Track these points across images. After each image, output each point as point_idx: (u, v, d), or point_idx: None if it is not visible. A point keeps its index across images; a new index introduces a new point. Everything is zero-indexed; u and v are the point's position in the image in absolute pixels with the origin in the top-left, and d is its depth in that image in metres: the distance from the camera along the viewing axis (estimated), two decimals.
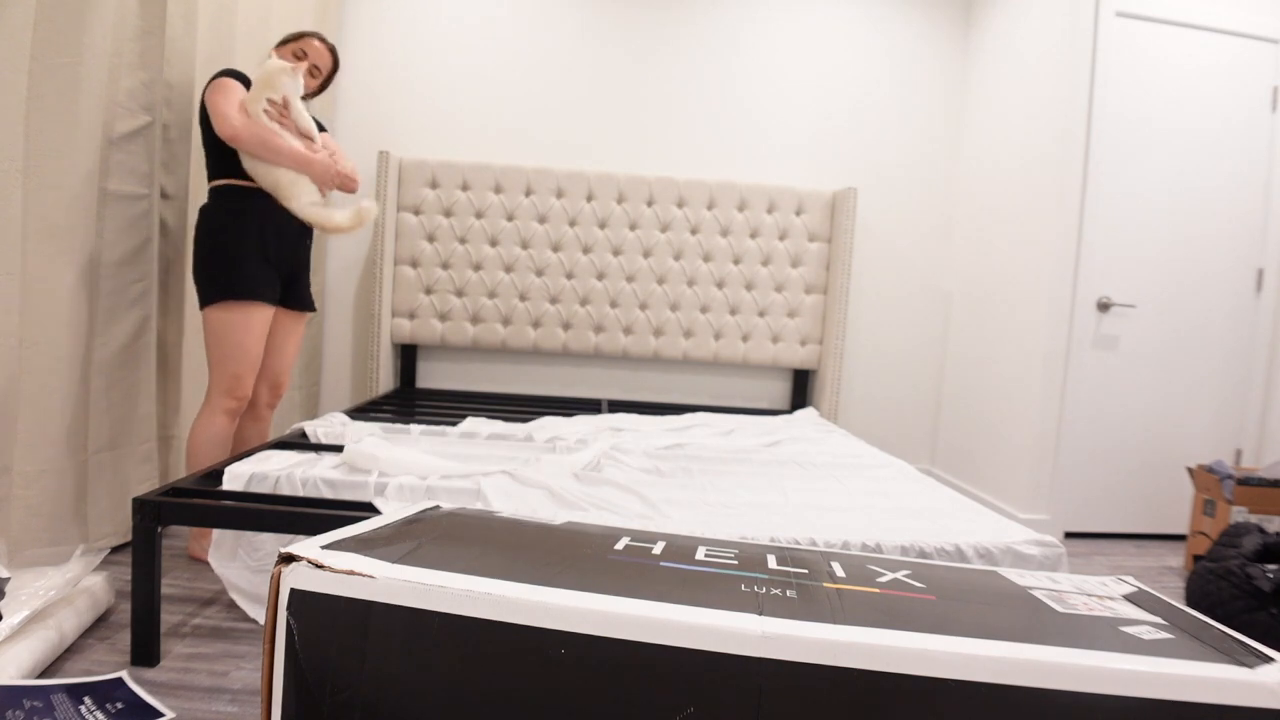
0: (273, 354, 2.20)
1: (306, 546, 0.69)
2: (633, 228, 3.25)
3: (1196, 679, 0.57)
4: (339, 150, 2.18)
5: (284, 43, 2.14)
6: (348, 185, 2.13)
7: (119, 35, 1.95)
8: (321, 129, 2.20)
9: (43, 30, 1.73)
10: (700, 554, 0.80)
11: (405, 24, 3.21)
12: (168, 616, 1.72)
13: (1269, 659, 0.61)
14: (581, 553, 0.77)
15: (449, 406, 2.92)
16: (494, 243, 3.20)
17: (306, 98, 2.23)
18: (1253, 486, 2.43)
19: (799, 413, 3.17)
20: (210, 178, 2.04)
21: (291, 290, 2.18)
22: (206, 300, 1.98)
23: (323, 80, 2.19)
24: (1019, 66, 3.01)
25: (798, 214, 3.29)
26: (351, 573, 0.65)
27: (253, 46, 2.49)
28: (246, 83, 2.01)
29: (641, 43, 3.29)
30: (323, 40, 2.15)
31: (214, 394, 2.01)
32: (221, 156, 1.99)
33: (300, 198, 2.01)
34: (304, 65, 2.06)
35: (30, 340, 1.77)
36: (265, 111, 1.94)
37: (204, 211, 2.02)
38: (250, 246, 2.00)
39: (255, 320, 2.00)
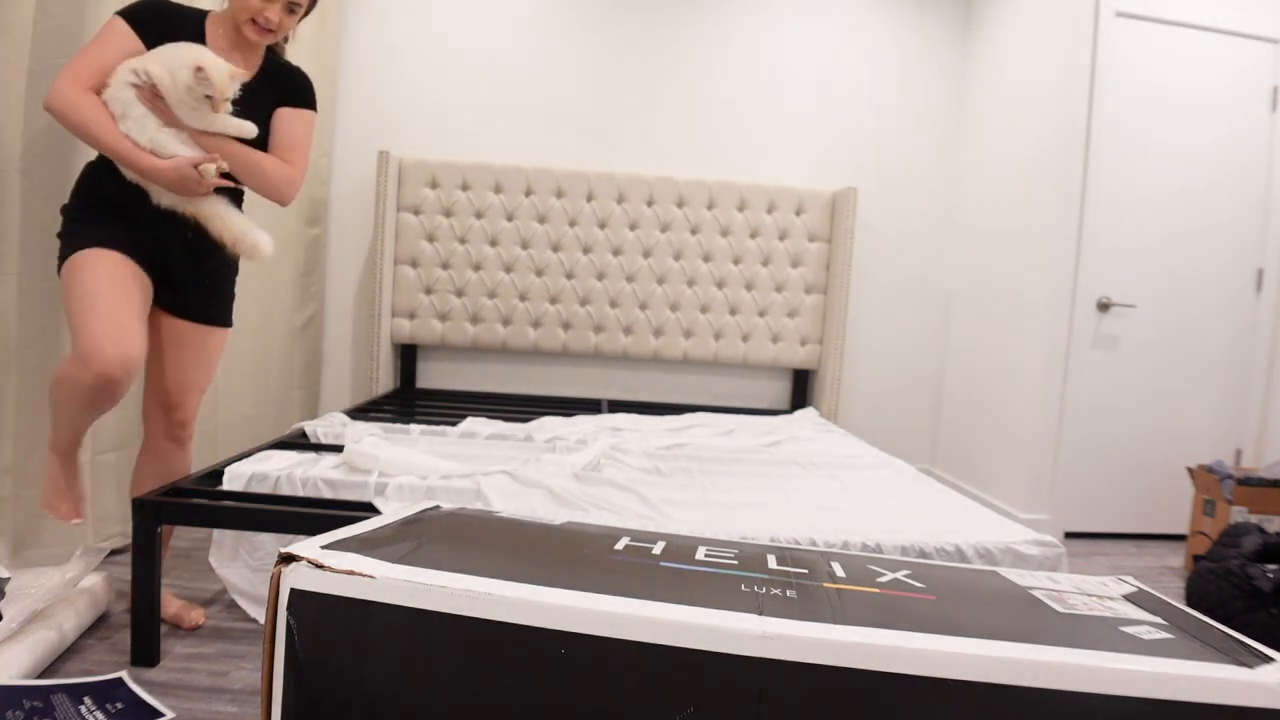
0: (163, 364, 1.65)
1: (306, 546, 0.69)
2: (633, 228, 3.25)
3: (1196, 679, 0.57)
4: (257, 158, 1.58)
5: None
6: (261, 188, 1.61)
7: None
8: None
9: (43, 30, 1.73)
10: (700, 554, 0.80)
11: (405, 24, 3.21)
12: None
13: (1269, 659, 0.61)
14: (581, 553, 0.77)
15: (449, 406, 2.92)
16: (494, 243, 3.20)
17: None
18: (1253, 486, 2.43)
19: (799, 413, 3.17)
20: None
21: (169, 290, 1.61)
22: (58, 267, 1.51)
23: (303, 14, 1.59)
24: (1019, 66, 3.01)
25: (798, 214, 3.29)
26: (351, 573, 0.65)
27: None
28: (163, 28, 1.48)
29: (642, 43, 3.29)
30: None
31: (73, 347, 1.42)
32: None
33: (162, 195, 1.53)
34: (239, 74, 1.50)
35: (30, 340, 1.77)
36: (136, 87, 1.45)
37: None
38: (100, 211, 1.53)
39: (102, 263, 1.46)
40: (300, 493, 1.71)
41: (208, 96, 1.45)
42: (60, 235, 1.53)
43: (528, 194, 3.19)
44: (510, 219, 3.20)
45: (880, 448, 2.56)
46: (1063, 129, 2.75)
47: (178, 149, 1.47)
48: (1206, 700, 0.57)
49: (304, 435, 2.16)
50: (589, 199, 3.21)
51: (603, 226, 3.23)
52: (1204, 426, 2.97)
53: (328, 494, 1.71)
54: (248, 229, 1.59)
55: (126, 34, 1.47)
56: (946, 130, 3.43)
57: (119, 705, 1.32)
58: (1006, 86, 3.09)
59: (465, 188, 3.17)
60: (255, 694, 1.43)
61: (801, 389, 3.43)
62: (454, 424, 2.44)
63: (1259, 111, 2.90)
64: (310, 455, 1.91)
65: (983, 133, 3.26)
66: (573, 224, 3.22)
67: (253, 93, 1.57)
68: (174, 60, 1.45)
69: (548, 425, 2.49)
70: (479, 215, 3.19)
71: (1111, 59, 2.77)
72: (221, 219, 1.57)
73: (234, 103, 1.52)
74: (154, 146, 1.46)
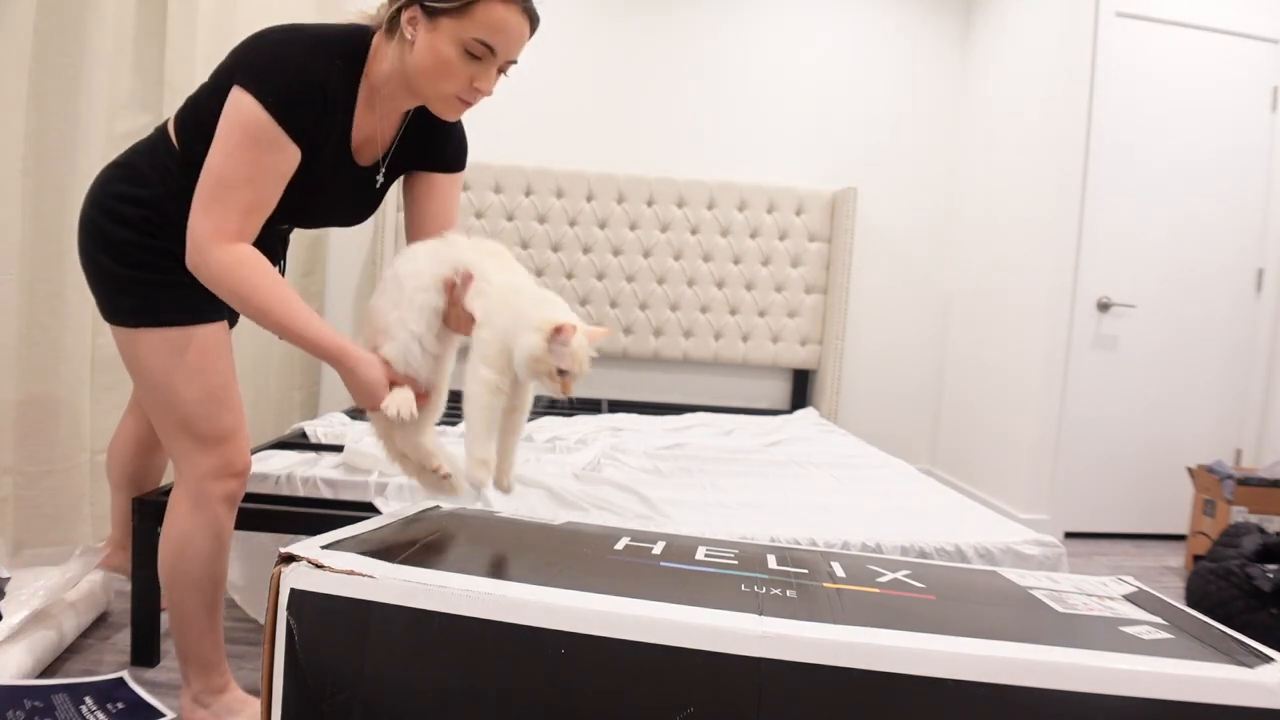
0: None
1: (306, 546, 0.69)
2: (633, 228, 3.24)
3: (1196, 679, 0.57)
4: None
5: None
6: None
7: (119, 35, 1.95)
8: None
9: (43, 30, 1.72)
10: (700, 554, 0.80)
11: None
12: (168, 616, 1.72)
13: (1269, 659, 0.61)
14: (581, 553, 0.77)
15: (449, 406, 2.91)
16: None
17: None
18: (1253, 486, 2.43)
19: (799, 413, 3.16)
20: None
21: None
22: (134, 320, 1.16)
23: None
24: (1019, 66, 3.01)
25: (798, 214, 3.29)
26: (351, 573, 0.65)
27: None
28: (314, 113, 1.06)
29: (641, 44, 3.29)
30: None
31: (186, 472, 1.19)
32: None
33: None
34: (599, 334, 1.06)
35: (31, 340, 1.77)
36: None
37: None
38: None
39: (223, 345, 1.22)
40: (300, 493, 1.70)
41: (561, 372, 0.98)
42: (122, 280, 1.14)
43: (527, 194, 3.19)
44: (510, 219, 3.20)
45: (880, 448, 2.56)
46: (1063, 129, 2.75)
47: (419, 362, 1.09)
48: (1206, 700, 0.57)
49: (304, 435, 2.16)
50: (589, 199, 3.21)
51: (603, 226, 3.23)
52: (1204, 427, 2.97)
53: (328, 494, 1.71)
54: (464, 463, 1.14)
55: (282, 146, 1.01)
56: (946, 130, 3.43)
57: (120, 705, 1.32)
58: (1006, 86, 3.09)
59: (465, 188, 3.17)
60: (255, 694, 1.43)
61: (801, 389, 3.43)
62: (454, 424, 2.43)
63: (1259, 111, 2.90)
64: (310, 455, 1.91)
65: (982, 133, 3.26)
66: (573, 224, 3.22)
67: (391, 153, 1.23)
68: (523, 298, 1.01)
69: (547, 425, 2.48)
70: (479, 215, 3.18)
71: (1111, 59, 2.77)
72: (429, 453, 1.22)
73: (371, 170, 1.18)
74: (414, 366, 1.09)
